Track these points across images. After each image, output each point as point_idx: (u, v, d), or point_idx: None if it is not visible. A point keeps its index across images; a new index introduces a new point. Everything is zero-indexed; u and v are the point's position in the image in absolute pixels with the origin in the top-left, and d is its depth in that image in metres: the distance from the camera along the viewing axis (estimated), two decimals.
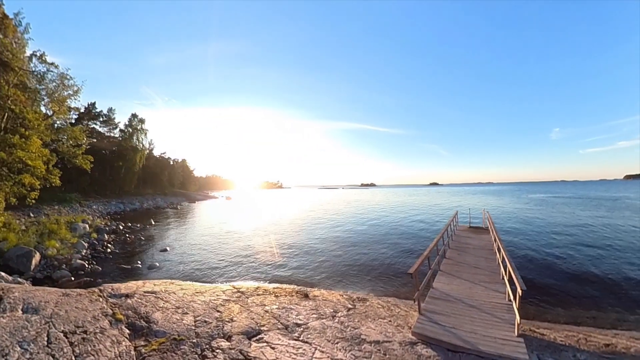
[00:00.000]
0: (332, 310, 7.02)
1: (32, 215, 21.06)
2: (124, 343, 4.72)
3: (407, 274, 5.55)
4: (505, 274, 7.04)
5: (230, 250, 16.43)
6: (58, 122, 24.02)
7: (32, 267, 11.07)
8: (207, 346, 4.94)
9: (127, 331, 5.22)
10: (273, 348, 5.11)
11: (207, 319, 5.96)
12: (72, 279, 10.90)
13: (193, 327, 5.56)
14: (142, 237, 20.15)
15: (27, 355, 4.31)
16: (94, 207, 33.35)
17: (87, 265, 12.44)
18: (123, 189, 49.28)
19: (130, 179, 50.83)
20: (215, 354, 4.74)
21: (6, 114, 12.16)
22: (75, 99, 19.05)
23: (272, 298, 7.71)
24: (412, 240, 18.39)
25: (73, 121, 40.54)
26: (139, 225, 26.03)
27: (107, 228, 21.73)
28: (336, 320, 6.47)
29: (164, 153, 77.03)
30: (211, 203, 63.66)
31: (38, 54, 16.97)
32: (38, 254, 11.83)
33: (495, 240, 10.34)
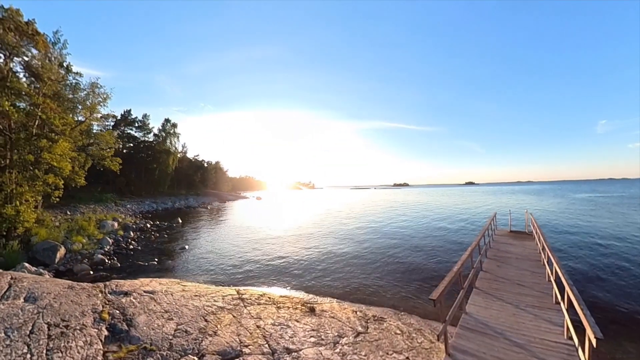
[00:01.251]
0: (336, 334, 6.10)
1: (68, 213, 23.13)
2: (95, 346, 4.78)
3: (430, 299, 4.39)
4: (562, 299, 5.54)
5: (248, 251, 16.32)
6: (96, 127, 26.23)
7: (57, 260, 12.06)
8: None
9: (106, 333, 5.26)
10: None
11: (189, 329, 5.72)
12: (91, 272, 11.66)
13: (170, 337, 5.35)
14: (165, 235, 21.14)
15: (7, 342, 4.65)
16: (128, 206, 35.82)
17: (107, 261, 13.28)
18: (157, 189, 52.40)
19: (164, 180, 53.91)
20: None
21: (36, 121, 13.40)
22: (104, 106, 20.56)
23: (273, 310, 7.11)
24: (445, 244, 17.04)
25: (111, 127, 43.92)
26: (166, 223, 27.37)
27: (134, 226, 23.17)
28: (337, 350, 5.50)
29: (197, 155, 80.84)
30: (241, 203, 65.12)
31: (64, 65, 18.57)
32: (63, 248, 12.86)
33: (543, 248, 8.78)
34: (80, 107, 19.24)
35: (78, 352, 4.55)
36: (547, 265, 7.64)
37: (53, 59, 19.49)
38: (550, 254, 7.09)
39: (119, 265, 13.19)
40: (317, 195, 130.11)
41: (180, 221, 29.47)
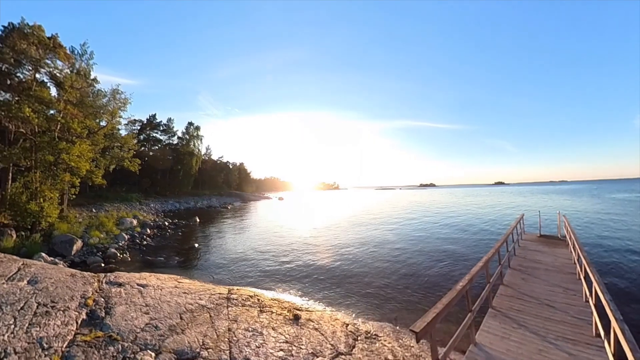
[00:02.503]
0: (311, 351, 5.44)
1: (94, 210, 25.14)
2: (69, 327, 5.38)
3: (411, 330, 3.23)
4: (606, 331, 4.29)
5: (257, 251, 16.38)
6: (122, 130, 28.29)
7: (73, 252, 13.31)
8: (132, 355, 4.74)
9: (84, 317, 5.78)
10: None
11: (160, 324, 5.79)
12: (102, 264, 12.75)
13: (138, 330, 5.47)
14: (180, 234, 22.32)
15: (0, 314, 5.49)
16: (152, 205, 38.08)
17: (119, 255, 14.42)
18: (181, 189, 55.09)
19: (188, 181, 56.56)
20: None
21: (58, 125, 14.89)
22: (124, 110, 22.24)
23: (254, 313, 6.83)
24: (469, 250, 15.53)
25: (137, 130, 46.88)
26: (184, 222, 28.79)
27: (152, 224, 24.69)
28: None
29: (221, 157, 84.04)
30: (263, 203, 66.28)
31: (90, 74, 20.33)
32: (80, 241, 14.16)
33: (578, 258, 7.36)
34: (102, 111, 20.91)
35: (53, 329, 5.18)
36: (584, 281, 6.24)
37: (80, 68, 21.39)
38: (587, 267, 5.62)
39: (129, 259, 14.24)
40: (340, 195, 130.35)
41: (198, 220, 30.69)
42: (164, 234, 21.46)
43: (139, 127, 41.84)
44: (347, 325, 6.88)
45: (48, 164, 13.71)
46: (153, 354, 4.78)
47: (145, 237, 19.38)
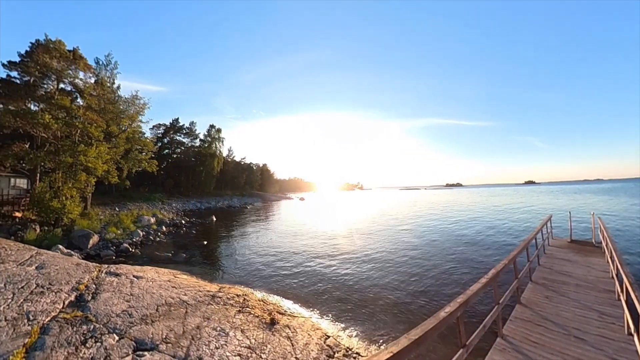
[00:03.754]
0: None
1: (117, 209, 27.22)
2: (56, 305, 6.29)
3: None
4: None
5: (264, 250, 16.52)
6: (147, 134, 30.46)
7: (89, 246, 14.78)
8: (99, 335, 5.22)
9: (72, 299, 6.64)
10: None
11: (135, 313, 6.21)
12: (114, 257, 14.08)
13: (112, 315, 5.97)
14: (194, 232, 23.59)
15: (2, 290, 6.52)
16: (174, 205, 40.32)
17: (131, 249, 15.75)
18: (204, 190, 57.71)
19: (209, 182, 59.13)
20: (93, 344, 4.95)
21: (78, 130, 16.57)
22: (142, 114, 24.07)
23: (231, 313, 6.89)
24: (490, 257, 13.86)
25: (161, 134, 49.72)
26: (200, 221, 30.34)
27: (168, 222, 26.31)
28: None
29: (243, 158, 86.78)
30: (283, 204, 67.45)
31: (102, 82, 22.26)
32: (97, 236, 15.66)
33: (618, 273, 6.03)
34: (122, 116, 22.75)
35: (41, 306, 6.12)
36: (626, 305, 4.62)
37: (103, 77, 23.38)
38: (629, 288, 4.11)
39: (139, 253, 15.51)
40: (364, 196, 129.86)
41: (215, 219, 32.05)
42: (178, 232, 22.85)
43: (162, 131, 44.64)
44: (328, 337, 6.37)
45: (68, 165, 15.45)
46: (117, 338, 5.23)
47: (159, 234, 20.82)
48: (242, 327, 6.20)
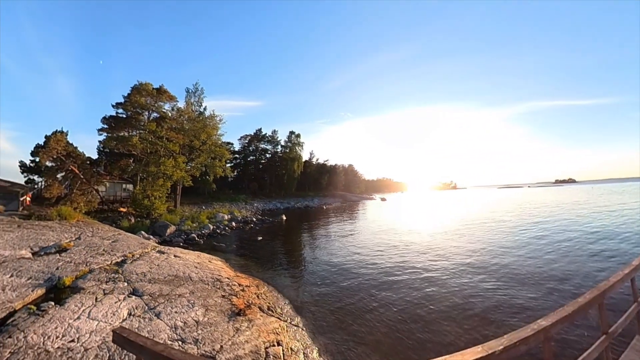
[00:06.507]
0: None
1: (203, 207, 33.86)
2: (106, 261, 10.22)
3: None
4: None
5: (311, 251, 16.65)
6: (236, 144, 37.00)
7: (167, 234, 19.92)
8: (117, 280, 8.11)
9: (118, 260, 10.52)
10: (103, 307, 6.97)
11: (148, 275, 8.74)
12: (182, 243, 18.63)
13: (133, 274, 8.75)
14: (258, 228, 26.63)
15: (82, 249, 10.60)
16: (256, 205, 46.67)
17: (197, 239, 20.27)
18: (286, 191, 64.19)
19: (291, 183, 65.45)
20: (111, 283, 8.91)
21: (163, 146, 22.33)
22: (218, 129, 29.90)
23: (214, 295, 7.86)
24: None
25: (246, 143, 57.65)
26: (270, 219, 33.98)
27: (240, 219, 31.29)
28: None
29: (326, 160, 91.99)
30: (363, 204, 67.32)
31: (202, 105, 28.82)
32: (173, 227, 20.83)
33: None
34: (201, 132, 28.79)
35: (98, 260, 9.95)
36: None
37: (192, 102, 29.84)
38: None
39: (202, 243, 19.66)
40: (456, 196, 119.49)
41: (285, 218, 34.96)
42: (244, 228, 26.82)
43: (247, 141, 52.49)
44: (279, 345, 5.85)
45: (153, 173, 21.28)
46: (125, 284, 8.25)
47: (227, 228, 25.37)
48: (209, 307, 7.00)
